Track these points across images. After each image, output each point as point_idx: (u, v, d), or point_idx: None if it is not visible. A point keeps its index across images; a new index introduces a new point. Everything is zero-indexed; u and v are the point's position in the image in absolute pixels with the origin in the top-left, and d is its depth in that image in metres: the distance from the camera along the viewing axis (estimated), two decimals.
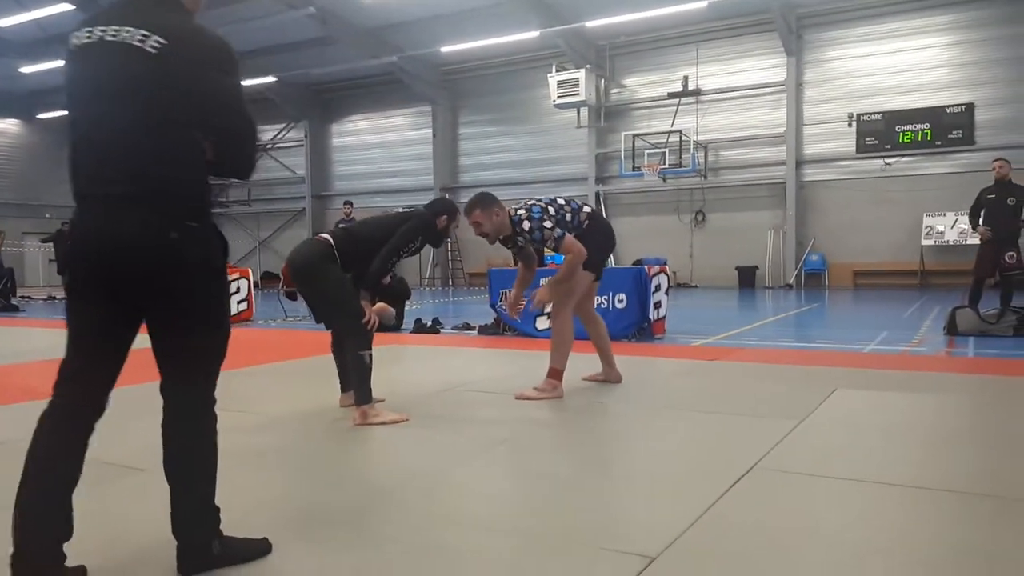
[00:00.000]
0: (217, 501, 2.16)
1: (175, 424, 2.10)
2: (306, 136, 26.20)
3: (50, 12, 18.52)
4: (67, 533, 2.00)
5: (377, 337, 4.77)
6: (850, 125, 18.44)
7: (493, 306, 8.69)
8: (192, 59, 1.99)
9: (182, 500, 2.09)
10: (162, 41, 1.96)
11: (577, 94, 19.68)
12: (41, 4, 18.31)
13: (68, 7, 18.19)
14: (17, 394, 4.87)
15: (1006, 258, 8.54)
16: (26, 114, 27.33)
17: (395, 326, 9.03)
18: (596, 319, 5.26)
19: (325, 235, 4.33)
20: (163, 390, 2.11)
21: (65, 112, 2.12)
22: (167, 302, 2.03)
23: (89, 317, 2.05)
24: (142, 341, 2.10)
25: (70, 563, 2.01)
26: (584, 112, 20.90)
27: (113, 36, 1.98)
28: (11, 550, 1.92)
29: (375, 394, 4.18)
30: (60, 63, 20.71)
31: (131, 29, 1.97)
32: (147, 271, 1.99)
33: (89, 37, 2.02)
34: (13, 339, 9.14)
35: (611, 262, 18.72)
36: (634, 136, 20.10)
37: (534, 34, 19.16)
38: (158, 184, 1.98)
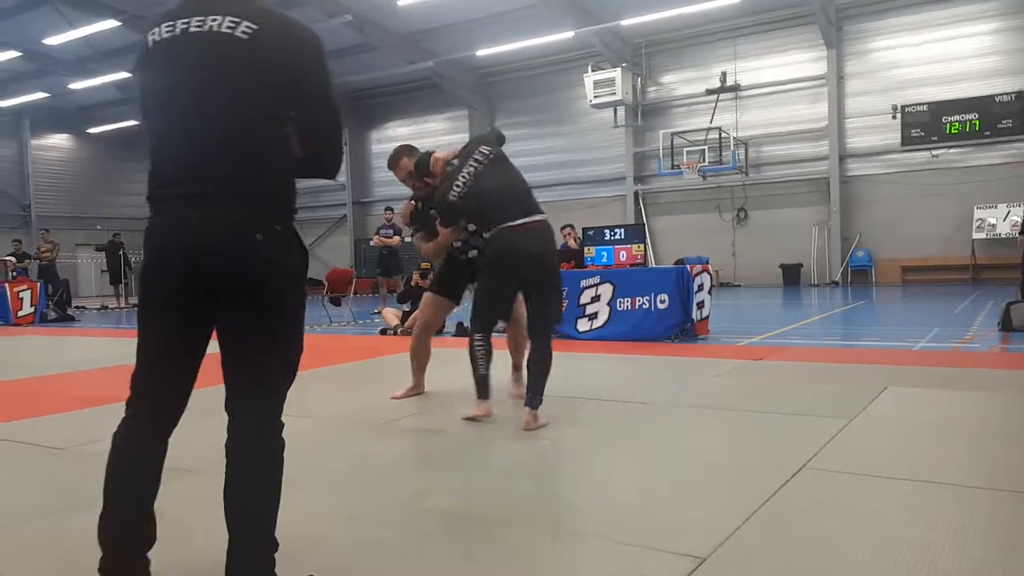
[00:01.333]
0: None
1: (239, 443, 1.93)
2: (346, 143, 26.31)
3: (98, 29, 19.06)
4: (151, 540, 2.00)
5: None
6: (894, 117, 18.05)
7: None
8: (284, 46, 1.87)
9: (244, 539, 1.90)
10: (253, 26, 1.85)
11: (614, 93, 19.59)
12: (88, 21, 18.85)
13: (115, 24, 18.71)
14: (77, 402, 5.03)
15: None
16: (76, 129, 28.21)
17: (439, 329, 9.09)
18: None
19: (539, 218, 4.09)
20: (229, 406, 1.95)
21: (141, 119, 1.98)
22: (245, 309, 1.88)
23: (165, 328, 1.94)
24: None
25: None
26: (621, 111, 20.82)
27: (199, 27, 1.87)
28: (100, 555, 1.94)
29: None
30: (108, 79, 20.92)
31: (218, 17, 1.86)
32: (230, 274, 1.85)
33: (171, 31, 1.89)
34: (71, 348, 9.42)
35: (651, 261, 18.68)
36: (672, 134, 19.95)
37: (569, 34, 19.14)
38: (247, 181, 1.85)
